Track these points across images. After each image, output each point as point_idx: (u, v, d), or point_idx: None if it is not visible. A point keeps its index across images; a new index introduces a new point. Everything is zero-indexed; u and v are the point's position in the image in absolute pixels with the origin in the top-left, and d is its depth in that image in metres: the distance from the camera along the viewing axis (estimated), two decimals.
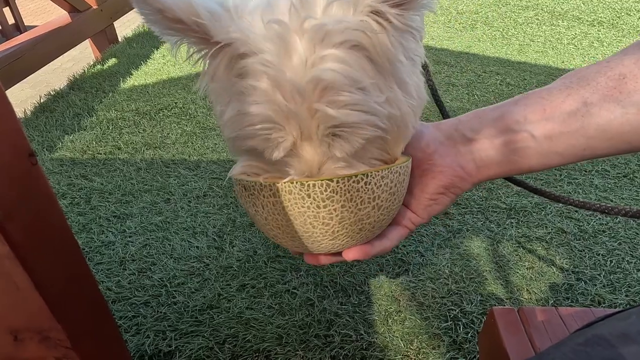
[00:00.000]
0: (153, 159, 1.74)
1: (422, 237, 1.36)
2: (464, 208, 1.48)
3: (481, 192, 1.54)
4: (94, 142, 1.86)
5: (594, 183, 1.58)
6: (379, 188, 0.43)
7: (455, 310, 1.13)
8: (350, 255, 0.47)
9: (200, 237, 1.37)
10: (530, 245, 1.34)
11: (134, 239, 1.36)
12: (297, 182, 0.41)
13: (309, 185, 0.41)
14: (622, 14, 3.31)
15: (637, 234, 1.37)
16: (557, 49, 2.78)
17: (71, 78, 2.46)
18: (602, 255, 1.29)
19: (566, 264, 1.27)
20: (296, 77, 0.38)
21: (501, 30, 3.09)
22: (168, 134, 1.92)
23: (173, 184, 1.60)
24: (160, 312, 1.13)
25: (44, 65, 2.30)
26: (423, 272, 1.24)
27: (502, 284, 1.21)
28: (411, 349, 1.05)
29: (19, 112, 2.14)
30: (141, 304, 1.15)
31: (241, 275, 1.24)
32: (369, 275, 1.24)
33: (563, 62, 2.61)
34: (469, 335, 1.07)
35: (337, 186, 0.41)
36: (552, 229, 1.39)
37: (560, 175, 1.63)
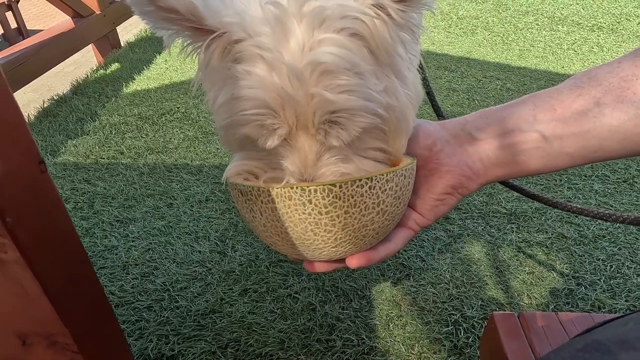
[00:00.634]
0: (156, 164, 1.75)
1: (423, 242, 1.36)
2: (464, 213, 1.48)
3: (482, 197, 1.55)
4: (97, 147, 1.87)
5: (593, 188, 1.59)
6: (383, 192, 0.41)
7: (456, 315, 1.13)
8: (354, 262, 0.45)
9: (202, 242, 1.37)
10: (531, 250, 1.34)
11: (137, 244, 1.37)
12: (297, 188, 0.39)
13: (310, 190, 0.39)
14: (622, 19, 3.33)
15: (637, 239, 1.37)
16: (557, 54, 2.80)
17: (74, 83, 2.48)
18: (602, 260, 1.30)
19: (566, 269, 1.27)
20: (293, 60, 0.36)
21: (501, 35, 3.10)
22: (170, 138, 1.92)
23: (175, 188, 1.61)
24: (163, 317, 1.14)
25: (47, 70, 2.31)
26: (424, 277, 1.25)
27: (502, 289, 1.22)
28: (412, 353, 1.05)
29: None
30: (144, 308, 1.16)
31: (243, 279, 1.24)
32: (370, 280, 1.24)
33: (563, 67, 2.62)
34: (470, 339, 1.07)
35: (340, 191, 0.39)
36: (552, 234, 1.39)
37: (560, 180, 1.63)
